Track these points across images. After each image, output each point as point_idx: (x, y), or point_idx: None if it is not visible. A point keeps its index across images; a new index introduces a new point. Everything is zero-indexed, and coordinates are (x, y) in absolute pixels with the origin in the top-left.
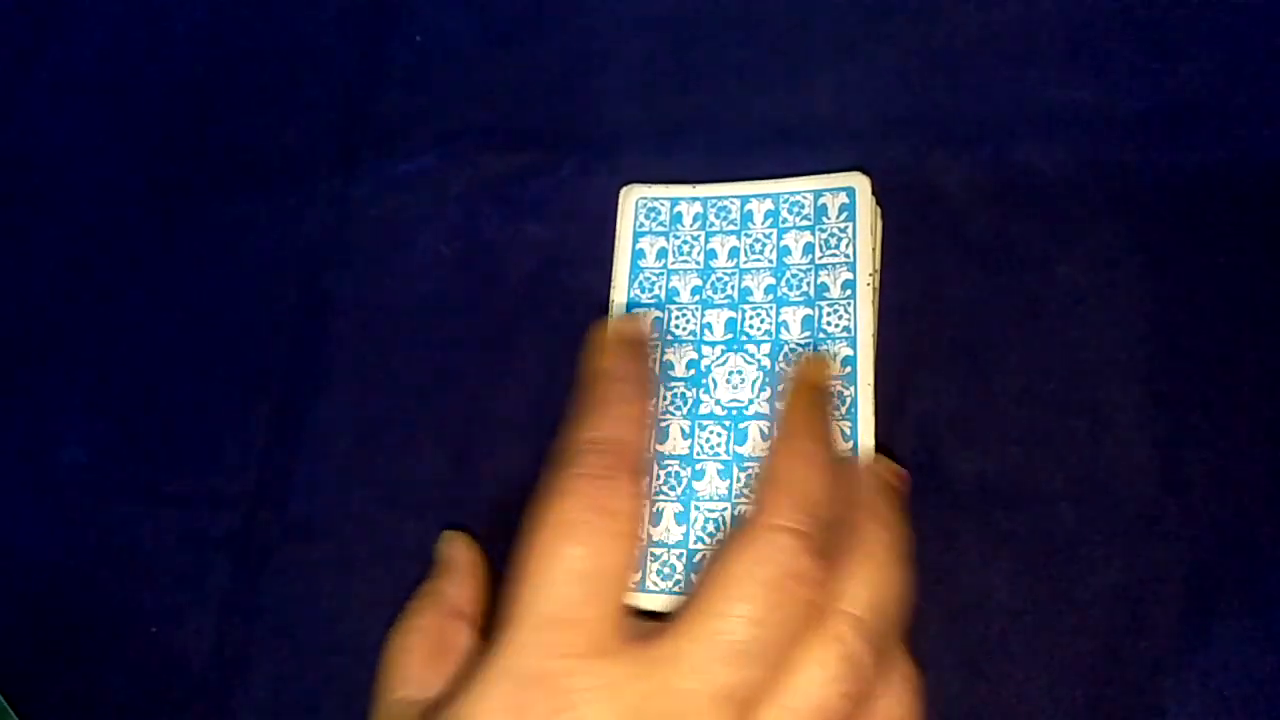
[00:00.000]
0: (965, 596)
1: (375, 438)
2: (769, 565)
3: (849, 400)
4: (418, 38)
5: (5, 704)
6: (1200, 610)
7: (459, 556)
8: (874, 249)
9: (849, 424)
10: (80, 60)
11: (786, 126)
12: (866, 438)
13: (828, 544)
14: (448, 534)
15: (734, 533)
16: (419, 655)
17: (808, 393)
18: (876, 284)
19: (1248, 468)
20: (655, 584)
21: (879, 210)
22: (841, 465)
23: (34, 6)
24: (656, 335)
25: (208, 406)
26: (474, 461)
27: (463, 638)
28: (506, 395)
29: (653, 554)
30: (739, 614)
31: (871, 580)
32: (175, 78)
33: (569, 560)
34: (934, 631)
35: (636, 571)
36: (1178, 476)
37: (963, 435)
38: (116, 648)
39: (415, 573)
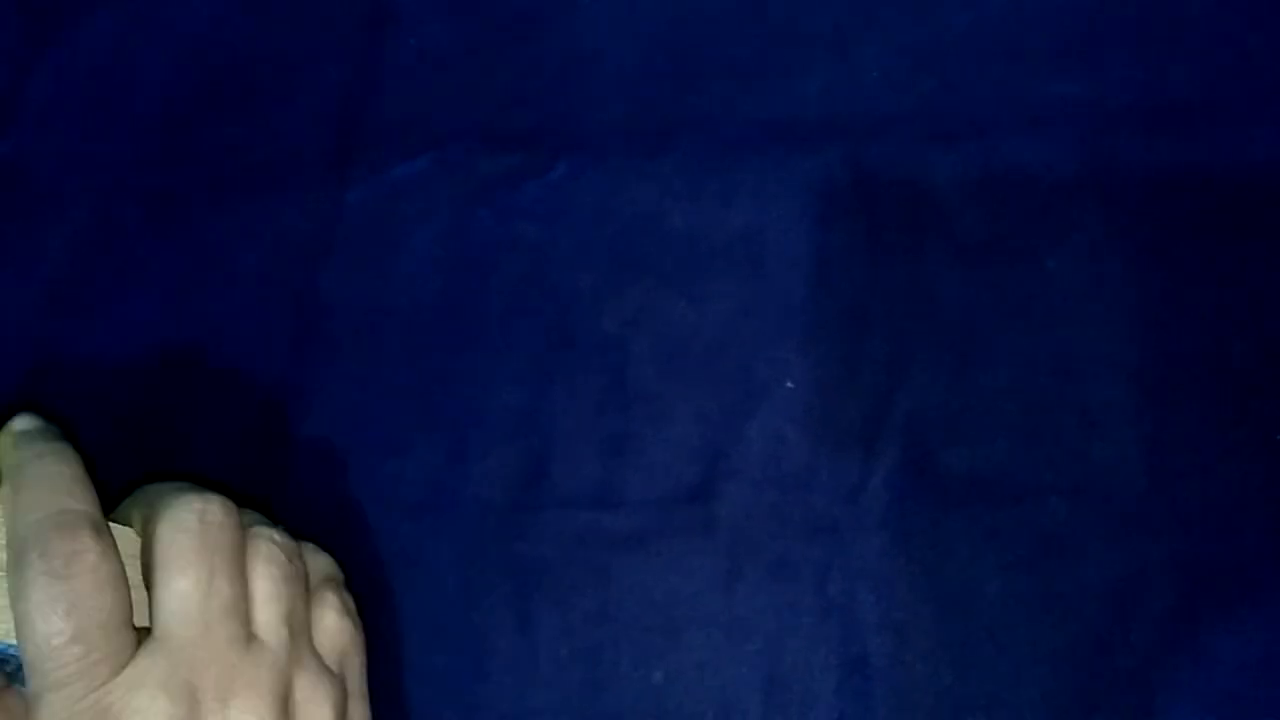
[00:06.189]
0: (955, 591)
1: (369, 439)
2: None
3: None
4: (412, 41)
5: None
6: (1189, 604)
7: None
8: None
9: None
10: (78, 67)
11: (776, 124)
12: None
13: None
14: None
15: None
16: None
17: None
18: None
19: (1236, 462)
20: None
21: None
22: None
23: (31, 12)
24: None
25: (201, 410)
26: (468, 463)
27: None
28: (499, 396)
29: None
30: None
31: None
32: (170, 83)
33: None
34: (924, 626)
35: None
36: (1166, 471)
37: (952, 430)
38: None
39: (408, 575)
